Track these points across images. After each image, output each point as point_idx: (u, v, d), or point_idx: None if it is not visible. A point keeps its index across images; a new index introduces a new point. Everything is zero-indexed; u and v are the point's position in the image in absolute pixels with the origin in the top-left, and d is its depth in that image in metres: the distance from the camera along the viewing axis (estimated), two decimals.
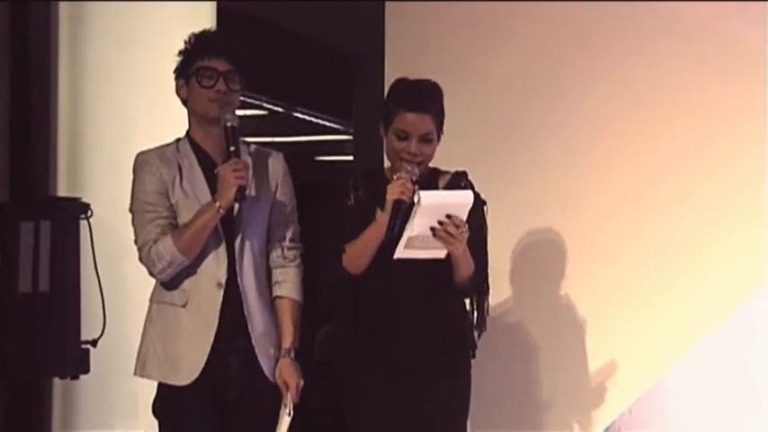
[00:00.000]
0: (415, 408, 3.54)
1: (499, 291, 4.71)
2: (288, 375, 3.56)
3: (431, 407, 3.57)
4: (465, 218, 3.28)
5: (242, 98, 3.94)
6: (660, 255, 4.52)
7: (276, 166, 3.66)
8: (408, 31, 4.96)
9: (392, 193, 3.30)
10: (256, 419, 3.57)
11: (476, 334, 3.67)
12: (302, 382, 3.54)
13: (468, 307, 3.64)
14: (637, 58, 4.60)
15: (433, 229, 3.24)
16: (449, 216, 3.24)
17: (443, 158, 3.73)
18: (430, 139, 3.47)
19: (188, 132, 3.56)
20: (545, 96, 4.78)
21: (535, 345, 4.77)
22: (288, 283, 3.60)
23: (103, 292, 4.13)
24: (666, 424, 4.32)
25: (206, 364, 3.45)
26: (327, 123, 7.37)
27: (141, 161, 3.53)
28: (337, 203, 3.64)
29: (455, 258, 3.32)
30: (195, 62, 3.49)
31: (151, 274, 3.48)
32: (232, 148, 3.41)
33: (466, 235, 3.27)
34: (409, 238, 3.25)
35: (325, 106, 6.96)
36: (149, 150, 3.53)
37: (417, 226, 3.23)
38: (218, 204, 3.37)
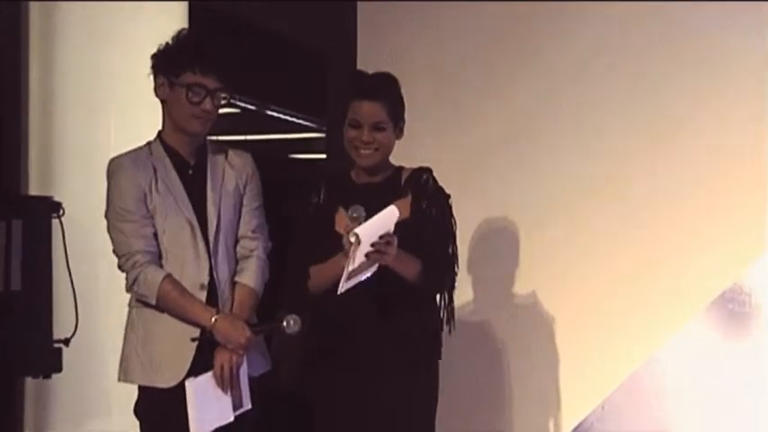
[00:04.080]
0: (378, 401, 3.58)
1: (467, 291, 4.77)
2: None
3: (393, 400, 3.61)
4: (392, 229, 3.34)
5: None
6: (631, 251, 4.56)
7: (245, 165, 3.69)
8: (380, 30, 4.99)
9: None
10: (240, 418, 3.55)
11: (447, 328, 3.74)
12: (243, 341, 3.51)
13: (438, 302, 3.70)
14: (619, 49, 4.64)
15: (367, 254, 3.33)
16: (381, 236, 3.32)
17: (409, 153, 3.78)
18: (383, 128, 3.55)
19: (160, 134, 3.56)
20: (519, 92, 4.82)
21: (504, 343, 4.81)
22: (246, 271, 3.62)
23: (76, 290, 4.13)
24: (640, 418, 4.36)
25: (191, 364, 3.45)
26: (300, 121, 7.38)
27: (116, 167, 3.51)
28: (299, 210, 3.73)
29: (392, 267, 3.39)
30: (184, 71, 3.47)
31: (128, 287, 3.49)
32: (259, 329, 3.52)
33: (394, 245, 3.35)
34: (352, 271, 3.35)
35: (298, 104, 6.96)
36: (123, 155, 3.52)
37: (357, 258, 3.33)
38: (211, 324, 3.42)
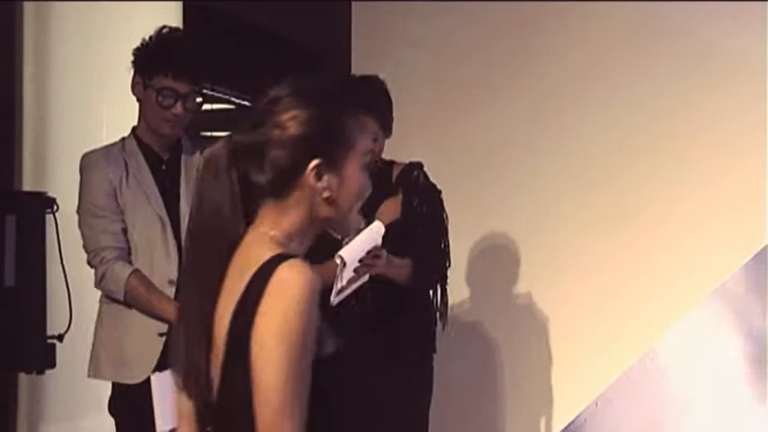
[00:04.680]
0: (372, 397, 3.55)
1: (462, 289, 4.75)
2: None
3: (387, 396, 3.58)
4: (380, 242, 3.34)
5: (210, 92, 3.95)
6: (626, 250, 4.55)
7: None
8: (374, 29, 5.00)
9: None
10: None
11: (440, 323, 3.72)
12: None
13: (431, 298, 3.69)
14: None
15: (358, 270, 3.33)
16: (371, 251, 3.33)
17: (401, 152, 3.78)
18: (375, 139, 3.48)
19: (134, 130, 3.52)
20: (516, 92, 4.80)
21: (498, 341, 4.79)
22: None
23: (69, 286, 4.10)
24: (633, 415, 4.34)
25: (159, 359, 3.40)
26: None
27: (87, 162, 3.49)
28: None
29: (383, 275, 3.39)
30: (157, 73, 3.41)
31: (97, 283, 3.45)
32: None
33: (383, 257, 3.35)
34: (340, 288, 3.34)
35: None
36: (95, 150, 3.50)
37: (345, 276, 3.33)
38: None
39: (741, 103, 4.36)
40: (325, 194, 2.08)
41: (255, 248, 2.06)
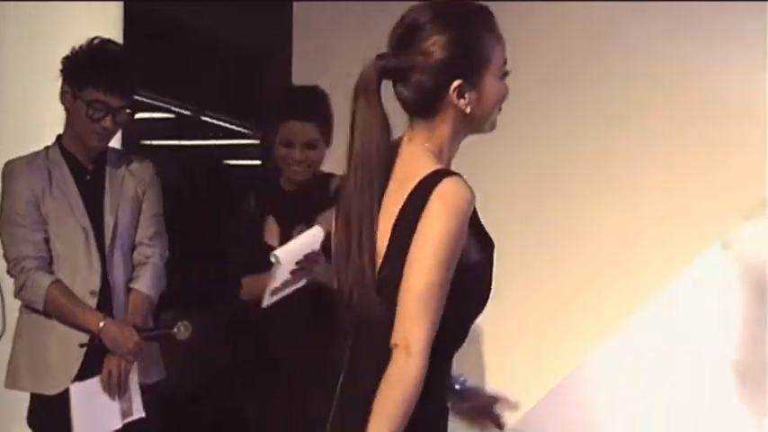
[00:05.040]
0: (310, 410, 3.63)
1: None
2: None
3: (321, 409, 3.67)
4: (318, 247, 3.45)
5: (150, 101, 3.98)
6: (571, 254, 4.62)
7: (145, 172, 3.71)
8: (315, 34, 5.05)
9: None
10: (137, 428, 3.56)
11: None
12: (132, 346, 3.49)
13: None
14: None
15: (294, 272, 3.45)
16: (309, 255, 3.43)
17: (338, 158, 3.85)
18: (314, 146, 3.66)
19: (59, 138, 3.56)
20: None
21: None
22: (141, 278, 3.62)
23: (3, 294, 4.09)
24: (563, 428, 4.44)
25: (79, 370, 3.45)
26: (235, 128, 7.50)
27: (10, 170, 3.52)
28: (231, 218, 3.88)
29: (320, 280, 3.49)
30: (88, 86, 3.45)
31: (16, 292, 3.47)
32: (149, 335, 3.54)
33: (321, 262, 3.45)
34: (274, 289, 3.47)
35: (233, 110, 7.08)
36: (18, 159, 3.53)
37: (279, 277, 3.44)
38: (99, 328, 3.42)
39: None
40: (468, 110, 2.40)
41: (414, 162, 2.39)
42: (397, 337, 2.31)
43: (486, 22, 2.50)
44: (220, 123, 7.39)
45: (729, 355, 4.18)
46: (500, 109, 2.56)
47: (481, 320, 4.68)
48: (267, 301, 3.50)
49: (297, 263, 3.47)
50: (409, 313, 2.32)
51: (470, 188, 2.37)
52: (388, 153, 2.46)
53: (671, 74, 4.44)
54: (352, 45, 4.97)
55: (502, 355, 4.69)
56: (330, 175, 3.75)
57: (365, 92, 2.45)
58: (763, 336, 4.16)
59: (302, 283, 3.51)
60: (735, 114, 4.42)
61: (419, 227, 2.35)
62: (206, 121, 7.28)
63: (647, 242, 4.49)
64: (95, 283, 3.50)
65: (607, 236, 4.57)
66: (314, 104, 3.75)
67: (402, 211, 2.37)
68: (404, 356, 2.31)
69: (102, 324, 3.44)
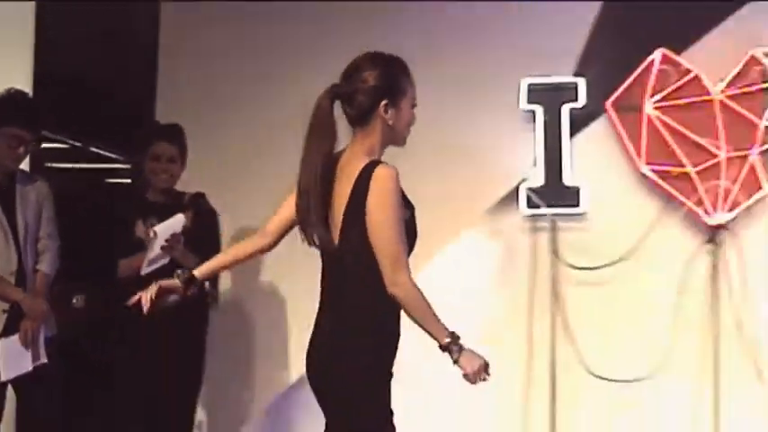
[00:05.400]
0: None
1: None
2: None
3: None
4: (180, 231, 4.16)
5: (51, 135, 4.71)
6: None
7: (42, 187, 4.29)
8: (178, 86, 5.55)
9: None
10: (37, 396, 4.15)
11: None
12: (41, 312, 4.07)
13: None
14: None
15: (163, 247, 4.16)
16: (174, 235, 4.15)
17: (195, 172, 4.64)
18: (175, 161, 4.41)
19: None
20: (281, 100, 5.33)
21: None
22: (43, 262, 4.23)
23: None
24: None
25: (3, 329, 4.09)
26: (114, 155, 7.66)
27: None
28: (112, 219, 4.50)
29: (178, 259, 4.14)
30: (9, 124, 4.01)
31: None
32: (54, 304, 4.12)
33: (181, 243, 4.18)
34: (150, 259, 4.16)
35: (112, 143, 7.25)
36: None
37: (155, 249, 4.16)
38: (21, 298, 4.05)
39: None
40: (390, 122, 3.10)
41: (355, 159, 3.08)
42: (388, 266, 2.95)
43: (404, 67, 3.16)
44: (103, 152, 7.69)
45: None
46: (409, 131, 3.20)
47: None
48: (145, 269, 4.12)
49: (166, 240, 4.12)
50: (395, 256, 2.95)
51: (395, 168, 3.01)
52: (334, 154, 3.07)
53: None
54: (210, 88, 5.56)
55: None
56: (183, 193, 4.50)
57: (320, 108, 3.04)
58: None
59: (167, 259, 4.16)
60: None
61: (369, 203, 2.97)
62: (93, 150, 7.59)
63: None
64: (14, 266, 4.17)
65: None
66: (176, 133, 4.47)
67: (352, 192, 3.01)
68: (404, 289, 2.96)
69: (21, 296, 4.09)
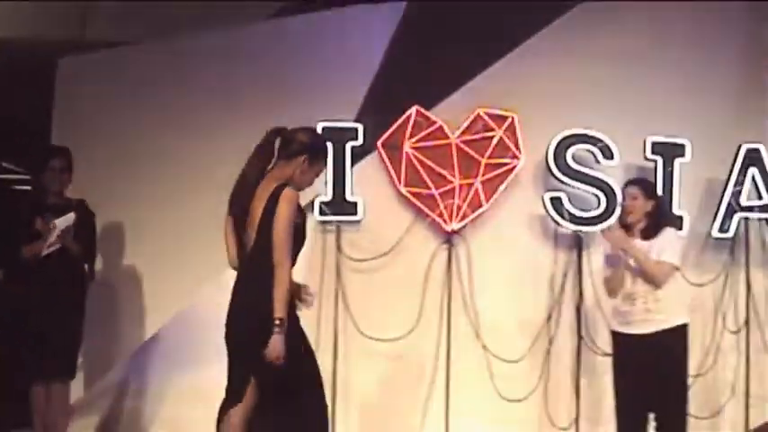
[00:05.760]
0: None
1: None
2: None
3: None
4: (71, 224, 5.59)
5: None
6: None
7: None
8: (75, 111, 6.88)
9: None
10: None
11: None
12: None
13: None
14: None
15: (58, 236, 5.65)
16: (66, 228, 5.62)
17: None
18: (65, 171, 5.85)
19: None
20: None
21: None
22: None
23: None
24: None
25: None
26: (18, 168, 8.86)
27: None
28: (18, 218, 5.85)
29: (68, 247, 5.61)
30: None
31: None
32: None
33: (71, 234, 5.60)
34: (49, 243, 5.64)
35: (19, 159, 8.55)
36: None
37: (53, 236, 5.66)
38: None
39: None
40: (299, 171, 4.33)
41: (271, 184, 4.27)
42: (276, 259, 4.07)
43: (327, 153, 4.45)
44: (10, 166, 8.93)
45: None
46: (310, 184, 4.44)
47: None
48: (45, 251, 5.61)
49: (61, 230, 5.57)
50: (281, 246, 4.09)
51: (297, 191, 4.20)
52: (259, 177, 4.22)
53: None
54: (105, 125, 6.88)
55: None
56: (70, 198, 6.12)
57: (268, 136, 4.23)
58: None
59: (59, 244, 5.61)
60: None
61: (277, 213, 4.11)
62: (3, 165, 8.89)
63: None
64: None
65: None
66: (65, 152, 5.95)
67: (265, 207, 4.17)
68: (281, 268, 4.09)
69: None
